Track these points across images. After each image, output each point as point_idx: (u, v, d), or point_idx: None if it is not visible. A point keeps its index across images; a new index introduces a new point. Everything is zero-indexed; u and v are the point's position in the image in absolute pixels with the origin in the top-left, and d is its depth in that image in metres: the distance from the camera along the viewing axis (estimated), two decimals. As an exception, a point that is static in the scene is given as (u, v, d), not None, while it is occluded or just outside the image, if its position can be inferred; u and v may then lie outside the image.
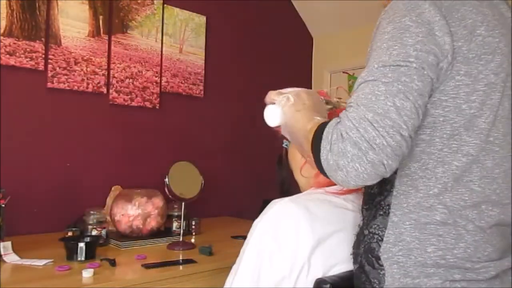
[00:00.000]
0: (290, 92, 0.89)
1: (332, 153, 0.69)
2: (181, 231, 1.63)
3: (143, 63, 2.07)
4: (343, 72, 2.77)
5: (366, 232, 0.81)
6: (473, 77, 0.73)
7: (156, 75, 2.12)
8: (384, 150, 0.65)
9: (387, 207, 0.77)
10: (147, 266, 1.32)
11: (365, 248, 0.80)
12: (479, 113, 0.73)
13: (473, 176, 0.74)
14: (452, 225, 0.73)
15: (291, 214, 0.90)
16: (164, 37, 2.15)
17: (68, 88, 1.83)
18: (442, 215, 0.73)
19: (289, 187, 1.17)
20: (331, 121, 0.73)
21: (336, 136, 0.69)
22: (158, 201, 1.69)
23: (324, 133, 0.72)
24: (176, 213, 1.81)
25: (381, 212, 0.78)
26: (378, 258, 0.77)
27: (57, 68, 1.80)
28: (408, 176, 0.76)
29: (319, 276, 0.87)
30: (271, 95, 0.92)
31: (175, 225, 1.78)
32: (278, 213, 0.92)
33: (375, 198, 0.80)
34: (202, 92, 2.31)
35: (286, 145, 1.15)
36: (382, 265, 0.77)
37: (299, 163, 1.09)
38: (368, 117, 0.67)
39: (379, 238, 0.78)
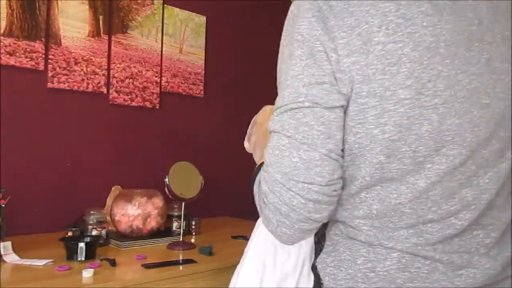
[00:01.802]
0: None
1: (262, 217, 0.67)
2: (181, 231, 1.63)
3: (143, 63, 2.07)
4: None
5: (315, 239, 0.79)
6: (378, 97, 0.60)
7: (156, 75, 2.12)
8: (305, 207, 0.61)
9: None
10: (147, 266, 1.32)
11: (315, 253, 0.78)
12: (397, 137, 0.61)
13: (403, 198, 0.64)
14: (379, 246, 0.66)
15: None
16: (164, 37, 2.15)
17: (68, 88, 1.83)
18: (367, 237, 0.66)
19: None
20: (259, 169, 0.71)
21: (259, 200, 0.67)
22: (158, 201, 1.69)
23: (254, 190, 0.71)
24: (176, 213, 1.81)
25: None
26: (314, 268, 0.73)
27: (57, 68, 1.80)
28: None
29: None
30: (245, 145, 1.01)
31: (175, 225, 1.78)
32: None
33: None
34: (202, 92, 2.31)
35: None
36: (318, 274, 0.73)
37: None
38: (278, 179, 0.62)
39: (321, 247, 0.74)
